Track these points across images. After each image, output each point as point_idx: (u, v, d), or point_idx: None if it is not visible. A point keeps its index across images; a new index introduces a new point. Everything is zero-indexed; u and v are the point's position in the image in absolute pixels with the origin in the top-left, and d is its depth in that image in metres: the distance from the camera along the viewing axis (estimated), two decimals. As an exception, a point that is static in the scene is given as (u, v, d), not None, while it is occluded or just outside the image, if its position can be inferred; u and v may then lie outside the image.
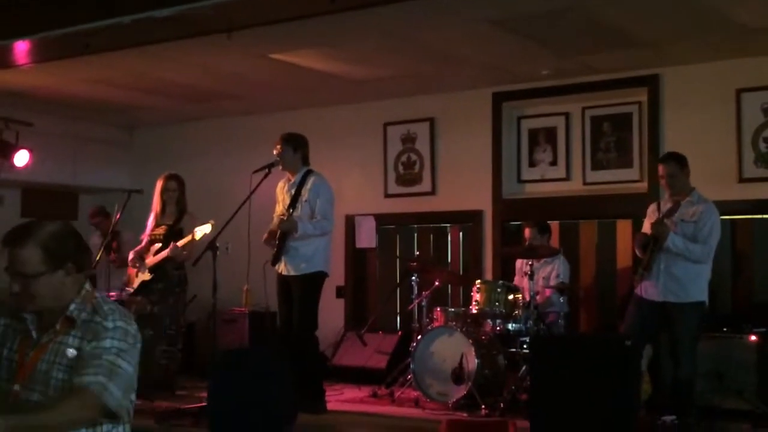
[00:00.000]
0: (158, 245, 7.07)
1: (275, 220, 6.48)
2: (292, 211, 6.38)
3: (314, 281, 6.43)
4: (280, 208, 6.56)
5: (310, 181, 6.45)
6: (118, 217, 8.02)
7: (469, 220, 8.31)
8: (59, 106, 8.90)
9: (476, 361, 6.40)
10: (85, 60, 6.82)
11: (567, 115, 7.89)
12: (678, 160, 5.94)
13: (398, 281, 8.38)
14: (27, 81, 7.82)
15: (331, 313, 8.27)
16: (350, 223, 8.82)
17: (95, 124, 9.75)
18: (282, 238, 6.39)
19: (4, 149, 8.60)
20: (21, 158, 8.68)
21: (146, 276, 7.05)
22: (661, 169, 6.00)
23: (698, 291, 5.84)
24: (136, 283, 7.12)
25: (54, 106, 8.85)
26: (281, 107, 8.90)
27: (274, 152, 6.46)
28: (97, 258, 8.36)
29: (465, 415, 6.25)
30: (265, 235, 6.46)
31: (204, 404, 5.79)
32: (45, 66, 7.17)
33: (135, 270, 7.19)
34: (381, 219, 8.75)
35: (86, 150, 9.74)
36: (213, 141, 9.65)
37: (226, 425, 5.44)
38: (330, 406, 6.48)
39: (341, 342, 8.25)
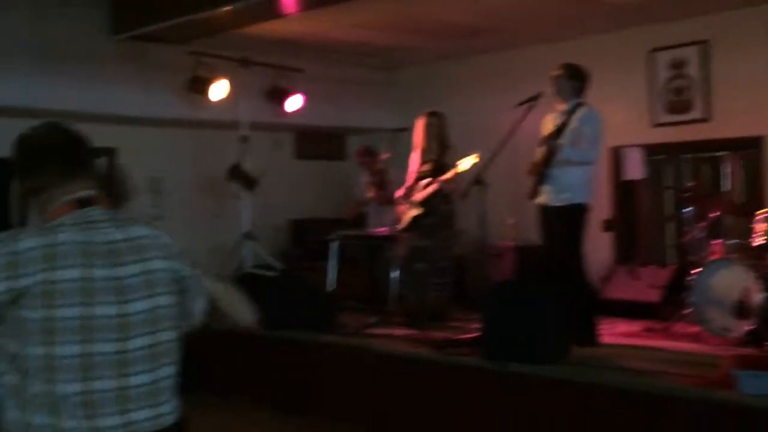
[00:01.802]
0: (426, 181, 7.20)
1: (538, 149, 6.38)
2: (558, 139, 6.25)
3: (576, 212, 6.27)
4: (546, 139, 6.44)
5: (580, 112, 6.28)
6: (384, 156, 8.27)
7: (748, 146, 7.77)
8: (324, 52, 9.22)
9: (761, 295, 6.02)
10: (348, 5, 7.00)
11: None
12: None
13: (671, 213, 8.03)
14: (295, 29, 8.16)
15: (598, 246, 8.07)
16: (616, 155, 8.52)
17: (358, 67, 10.03)
18: (544, 167, 6.29)
19: (279, 95, 9.10)
20: (294, 103, 9.15)
21: (417, 211, 7.21)
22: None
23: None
24: (407, 219, 7.30)
25: (319, 52, 9.18)
26: (541, 40, 8.69)
27: (551, 75, 6.35)
28: (367, 196, 8.70)
29: (750, 350, 5.91)
30: (529, 166, 6.38)
31: (478, 334, 5.87)
32: (311, 13, 7.44)
33: (405, 207, 7.37)
34: (649, 150, 8.38)
35: (350, 92, 10.04)
36: (473, 78, 9.62)
37: (501, 354, 5.51)
38: (603, 339, 6.36)
39: (611, 276, 8.06)
